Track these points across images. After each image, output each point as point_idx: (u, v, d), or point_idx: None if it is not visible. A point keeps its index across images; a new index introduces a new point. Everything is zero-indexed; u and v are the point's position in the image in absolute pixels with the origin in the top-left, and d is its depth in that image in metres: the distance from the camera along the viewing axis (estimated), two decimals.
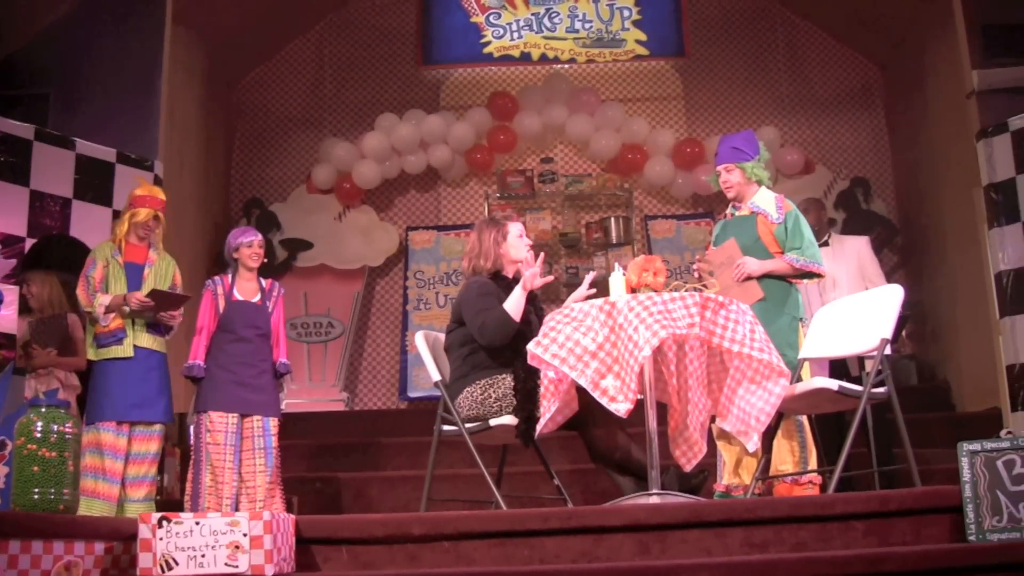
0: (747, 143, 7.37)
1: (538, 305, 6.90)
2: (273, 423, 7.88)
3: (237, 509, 7.64)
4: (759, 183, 7.31)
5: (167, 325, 7.83)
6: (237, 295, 8.00)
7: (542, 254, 6.84)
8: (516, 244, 6.83)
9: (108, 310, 7.55)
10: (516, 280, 6.67)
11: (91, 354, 7.64)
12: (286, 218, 13.42)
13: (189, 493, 7.69)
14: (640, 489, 6.09)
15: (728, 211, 7.50)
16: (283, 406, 8.27)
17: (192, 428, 8.02)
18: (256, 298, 8.06)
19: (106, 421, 7.38)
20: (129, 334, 7.60)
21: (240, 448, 7.78)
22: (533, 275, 6.49)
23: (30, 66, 10.31)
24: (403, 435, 10.74)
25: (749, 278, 6.98)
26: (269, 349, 8.01)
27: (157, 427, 7.66)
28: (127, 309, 7.57)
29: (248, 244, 8.08)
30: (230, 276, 8.09)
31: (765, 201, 7.23)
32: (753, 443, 5.94)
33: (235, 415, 7.73)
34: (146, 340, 7.66)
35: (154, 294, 7.57)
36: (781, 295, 7.00)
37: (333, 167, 13.42)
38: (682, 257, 12.98)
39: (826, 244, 8.81)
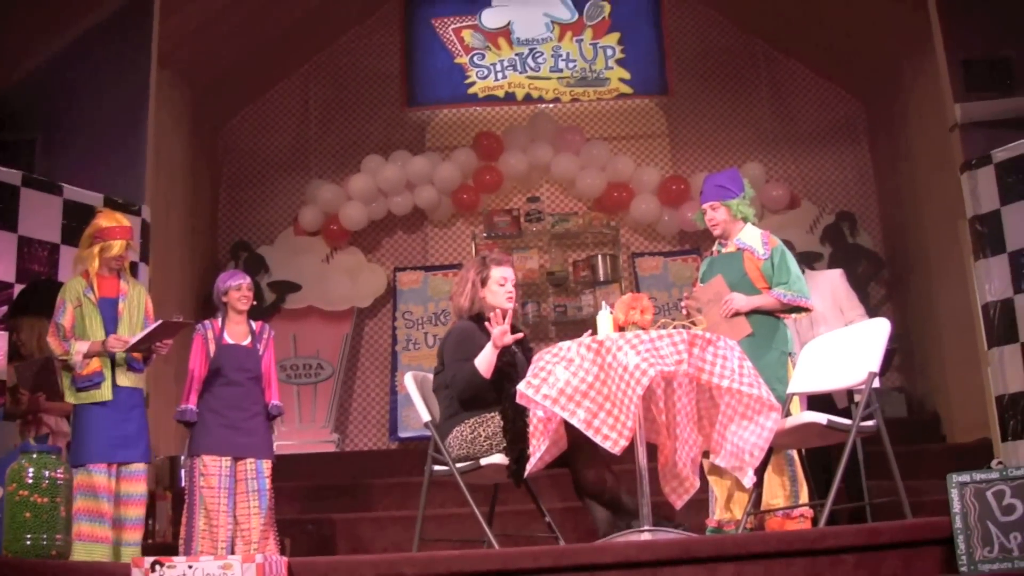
0: (732, 181, 7.41)
1: (525, 344, 6.88)
2: (266, 465, 7.87)
3: (232, 552, 7.62)
4: (745, 220, 7.34)
5: (147, 356, 7.71)
6: (227, 339, 7.99)
7: (510, 309, 6.75)
8: (495, 291, 6.76)
9: (86, 356, 7.41)
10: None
11: (70, 398, 7.55)
12: (274, 260, 13.44)
13: (183, 537, 7.67)
14: (615, 522, 6.11)
15: (715, 248, 7.53)
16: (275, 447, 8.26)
17: (185, 472, 7.99)
18: (246, 341, 8.05)
19: (96, 463, 7.28)
20: (107, 376, 7.46)
21: (234, 491, 7.77)
22: (502, 333, 6.45)
23: (15, 111, 10.29)
24: (394, 475, 10.75)
25: (737, 314, 7.01)
26: (261, 391, 8.00)
27: (142, 467, 7.55)
28: (110, 353, 7.50)
29: (237, 287, 8.08)
30: (220, 320, 8.08)
31: (751, 237, 7.26)
32: (749, 478, 5.94)
33: (228, 458, 7.72)
34: (126, 379, 7.52)
35: (164, 326, 7.43)
36: (769, 330, 7.02)
37: (320, 209, 13.45)
38: (670, 294, 13.02)
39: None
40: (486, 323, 6.56)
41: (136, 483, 7.49)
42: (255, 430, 7.88)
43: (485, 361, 6.44)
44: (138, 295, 7.77)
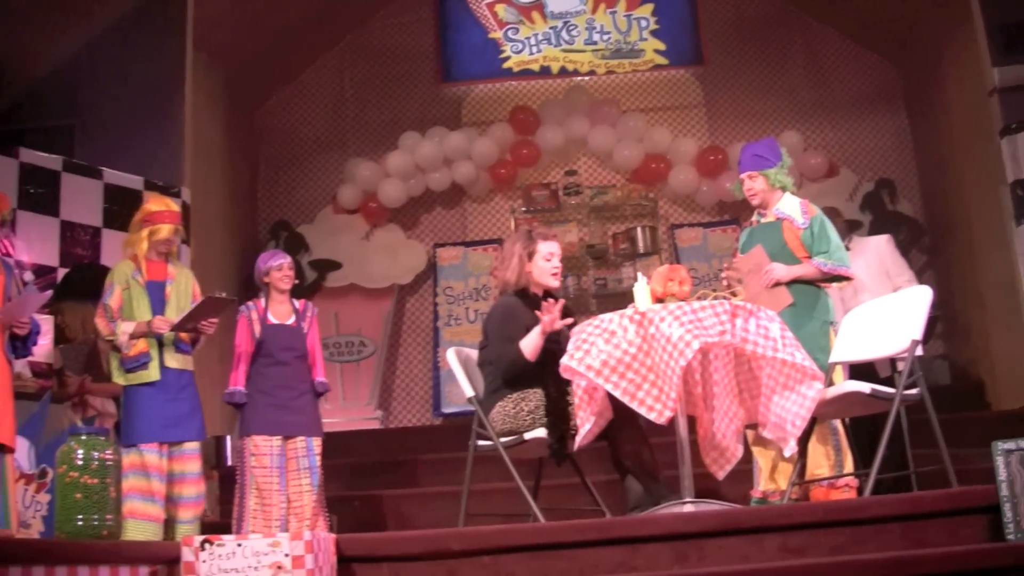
0: (769, 150, 7.36)
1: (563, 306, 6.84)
2: (316, 442, 7.94)
3: (286, 530, 7.68)
4: (783, 189, 7.29)
5: (195, 338, 7.76)
6: (272, 319, 8.03)
7: (560, 301, 6.72)
8: (541, 266, 6.75)
9: (132, 337, 7.46)
10: (543, 298, 6.66)
11: (119, 379, 7.61)
12: (314, 239, 13.52)
13: (235, 516, 7.75)
14: (647, 496, 6.12)
15: (754, 218, 7.48)
16: None
17: (235, 453, 8.04)
18: (291, 320, 8.09)
19: (148, 443, 7.32)
20: (154, 356, 7.50)
21: (285, 469, 7.83)
22: (551, 320, 6.44)
23: (53, 98, 10.37)
24: (438, 451, 10.76)
25: (778, 284, 6.97)
26: (307, 369, 8.05)
27: (196, 446, 7.61)
28: (156, 335, 7.53)
29: (278, 267, 8.11)
30: (263, 300, 8.11)
31: (790, 207, 7.22)
32: (791, 448, 5.94)
33: (278, 438, 7.79)
34: (174, 360, 7.57)
35: (207, 302, 7.50)
36: (810, 299, 6.99)
37: (358, 187, 13.50)
38: (710, 264, 12.98)
39: (847, 249, 8.79)
40: (537, 312, 6.54)
41: (190, 462, 7.55)
42: (304, 408, 7.94)
43: (531, 345, 6.42)
44: (185, 279, 7.81)
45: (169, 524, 7.44)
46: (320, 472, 7.93)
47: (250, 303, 8.13)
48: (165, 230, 7.66)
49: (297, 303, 8.23)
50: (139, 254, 7.67)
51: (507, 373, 6.49)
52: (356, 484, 9.94)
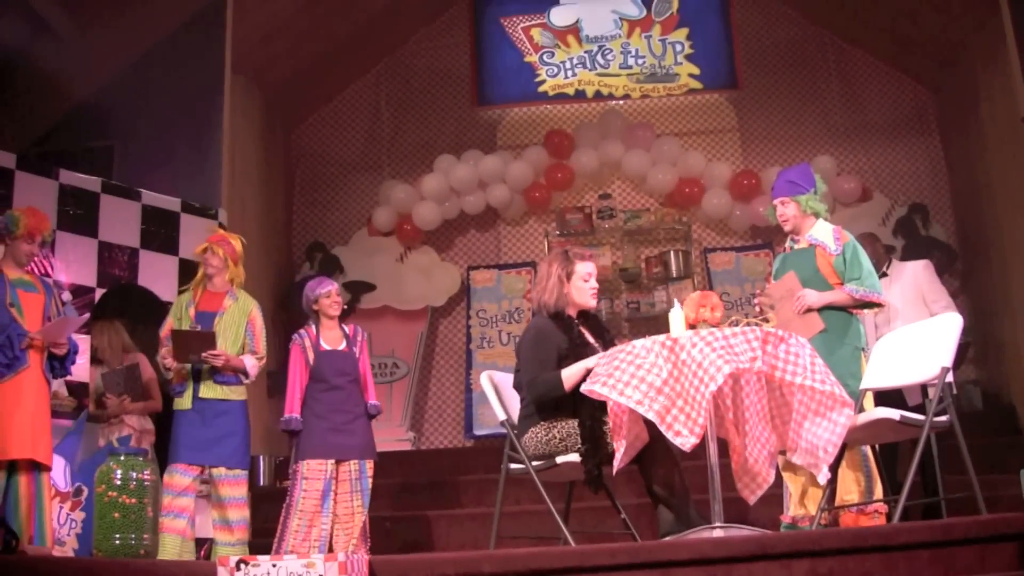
0: (802, 176, 7.39)
1: (608, 339, 6.87)
2: (369, 465, 8.13)
3: (331, 550, 7.79)
4: (816, 215, 7.32)
5: (237, 369, 7.86)
6: (324, 345, 8.18)
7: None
8: (580, 287, 6.69)
9: (169, 370, 7.78)
10: (578, 320, 6.70)
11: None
12: (348, 261, 13.59)
13: (277, 536, 7.86)
14: (678, 524, 6.14)
15: (787, 244, 7.53)
16: None
17: (291, 475, 8.13)
18: (342, 345, 8.24)
19: (176, 463, 7.48)
20: (188, 388, 7.73)
21: (336, 491, 7.95)
22: (593, 362, 6.42)
23: (93, 119, 10.47)
24: (469, 473, 10.81)
25: (810, 310, 7.01)
26: (360, 393, 8.20)
27: (237, 472, 7.78)
28: (171, 370, 7.79)
29: (327, 295, 8.27)
30: (314, 327, 8.24)
31: (823, 233, 7.25)
32: (824, 475, 5.95)
33: (332, 461, 7.92)
34: (210, 391, 7.76)
35: (175, 336, 7.67)
36: (842, 325, 7.01)
37: (393, 209, 13.57)
38: (742, 289, 13.00)
39: (884, 275, 8.81)
40: (571, 315, 6.59)
41: (231, 487, 7.75)
42: (357, 431, 8.09)
43: (573, 378, 6.35)
44: (240, 311, 8.00)
45: (223, 546, 7.59)
46: (370, 494, 8.07)
47: (302, 331, 8.28)
48: (197, 248, 8.01)
49: (347, 328, 8.40)
50: (195, 284, 8.02)
51: (541, 399, 6.45)
52: (388, 505, 9.99)
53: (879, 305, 7.16)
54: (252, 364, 7.96)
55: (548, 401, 6.44)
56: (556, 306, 6.67)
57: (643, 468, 6.32)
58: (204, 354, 7.67)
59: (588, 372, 6.23)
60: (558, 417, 6.43)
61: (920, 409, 6.50)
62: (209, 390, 7.76)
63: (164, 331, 7.86)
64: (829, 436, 5.86)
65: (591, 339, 6.64)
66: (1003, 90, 10.96)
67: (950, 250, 13.13)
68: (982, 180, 12.43)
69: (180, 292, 8.52)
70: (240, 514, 7.75)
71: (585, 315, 6.79)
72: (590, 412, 6.25)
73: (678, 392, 5.69)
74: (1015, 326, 11.75)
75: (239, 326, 7.92)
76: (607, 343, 6.72)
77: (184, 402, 7.71)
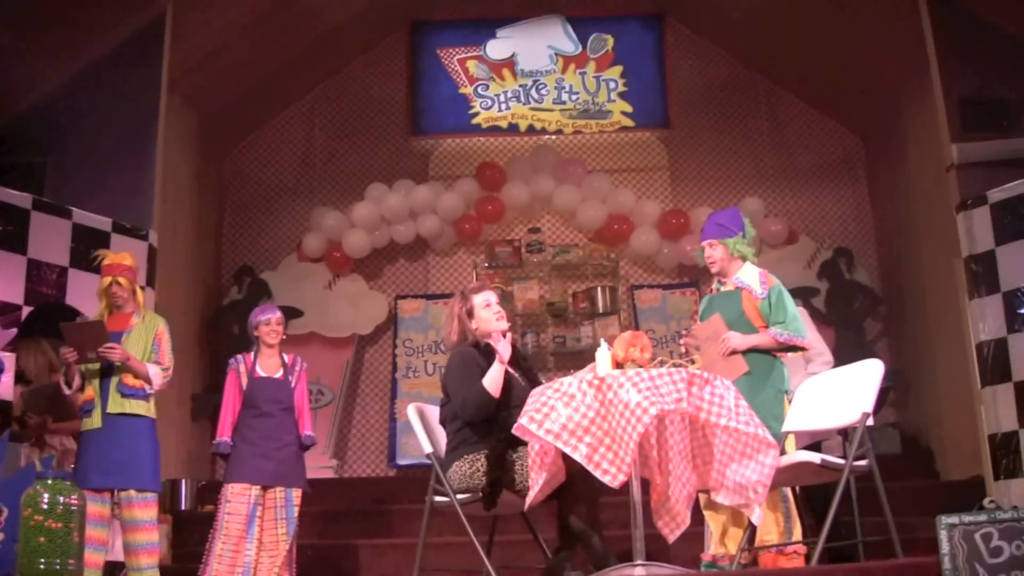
0: (732, 220, 7.52)
1: (528, 369, 6.95)
2: (296, 494, 8.11)
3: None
4: (743, 259, 7.44)
5: (141, 375, 7.76)
6: (260, 371, 8.22)
7: (507, 327, 6.89)
8: (484, 316, 6.86)
9: (66, 377, 7.68)
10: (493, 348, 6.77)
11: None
12: (277, 286, 13.54)
13: (204, 560, 7.83)
14: (603, 558, 6.21)
15: (714, 286, 7.64)
16: None
17: (219, 498, 8.13)
18: (278, 374, 8.28)
19: (88, 490, 7.34)
20: (97, 405, 7.64)
21: (263, 518, 7.94)
22: (507, 347, 6.59)
23: (27, 134, 10.39)
24: (393, 503, 10.81)
25: (734, 352, 7.11)
26: (293, 422, 8.23)
27: (147, 494, 7.67)
28: (74, 370, 7.68)
29: (266, 322, 8.32)
30: (253, 353, 8.29)
31: (749, 276, 7.37)
32: (757, 515, 6.03)
33: (257, 487, 7.91)
34: (117, 406, 7.66)
35: (65, 329, 7.63)
36: (766, 368, 7.12)
37: (324, 236, 13.58)
38: (668, 326, 13.12)
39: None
40: (490, 342, 6.66)
41: (139, 509, 7.61)
42: (286, 459, 8.09)
43: (493, 379, 6.51)
44: (147, 328, 7.93)
45: (133, 572, 7.51)
46: (297, 523, 8.05)
47: (239, 356, 8.37)
48: (103, 283, 7.91)
49: (287, 357, 8.41)
50: (101, 308, 7.96)
51: (476, 416, 6.53)
52: (310, 532, 9.95)
53: (802, 349, 7.26)
54: (155, 372, 7.86)
55: (484, 417, 6.52)
56: (471, 340, 6.84)
57: (562, 503, 6.39)
58: (100, 349, 7.57)
59: (503, 367, 6.48)
60: (481, 449, 6.49)
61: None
62: (117, 405, 7.64)
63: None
64: (758, 477, 5.94)
65: (509, 367, 6.72)
66: (929, 139, 11.12)
67: (874, 294, 13.31)
68: (906, 226, 12.63)
69: (52, 315, 8.42)
70: (152, 537, 7.66)
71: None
72: (502, 436, 6.33)
73: (605, 430, 5.75)
74: (935, 371, 11.94)
75: (146, 342, 7.87)
76: (525, 370, 6.84)
77: (93, 421, 7.61)
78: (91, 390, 7.67)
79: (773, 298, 7.23)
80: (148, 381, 7.83)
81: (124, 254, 8.16)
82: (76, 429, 8.42)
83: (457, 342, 6.90)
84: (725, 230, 7.45)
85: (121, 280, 7.92)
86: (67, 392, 7.69)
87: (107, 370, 7.66)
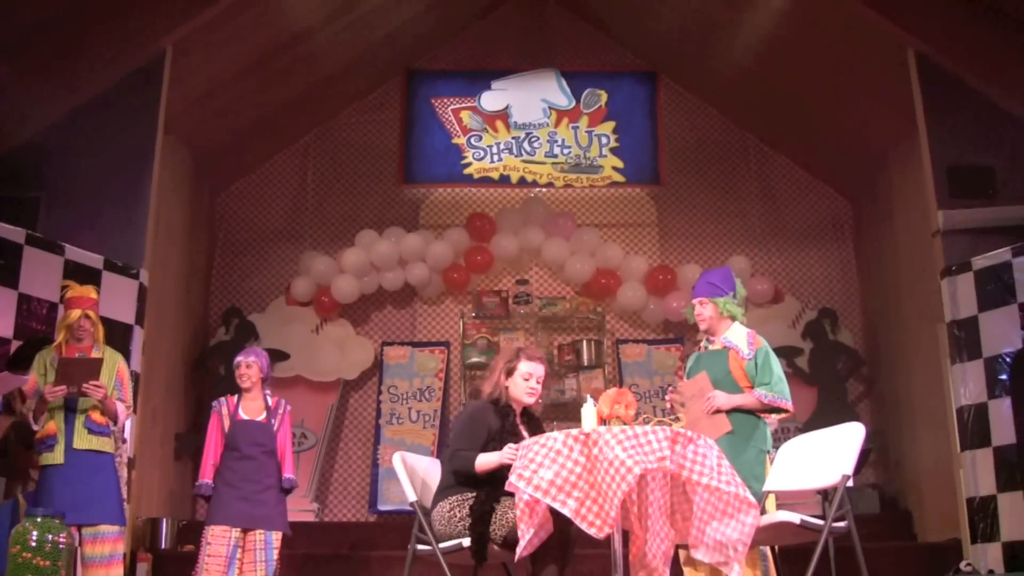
0: (723, 279, 7.64)
1: (536, 425, 7.00)
2: (276, 536, 8.15)
3: None
4: (732, 318, 7.54)
5: (109, 413, 7.76)
6: (242, 414, 8.29)
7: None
8: (518, 383, 6.86)
9: (35, 414, 7.59)
10: (522, 417, 6.89)
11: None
12: (264, 328, 13.58)
13: None
14: None
15: (702, 344, 7.73)
16: None
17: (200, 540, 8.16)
18: (261, 416, 8.34)
19: None
20: (60, 440, 7.60)
21: (243, 560, 7.99)
22: (511, 458, 6.56)
23: (21, 169, 10.43)
24: (372, 548, 10.82)
25: (719, 411, 7.18)
26: (275, 465, 8.27)
27: (104, 528, 7.61)
28: (49, 400, 7.57)
29: (236, 365, 8.43)
30: (236, 396, 8.36)
31: (737, 336, 7.46)
32: (736, 573, 6.07)
33: (237, 529, 7.95)
34: (86, 442, 7.65)
35: (63, 363, 7.59)
36: (749, 428, 7.20)
37: (312, 280, 13.64)
38: (652, 381, 13.18)
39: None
40: (512, 405, 6.73)
41: (100, 544, 7.58)
42: (267, 501, 8.14)
43: (485, 465, 6.53)
44: (109, 364, 7.89)
45: None
46: (278, 566, 8.11)
47: (222, 399, 8.43)
48: (73, 315, 7.86)
49: (271, 400, 8.46)
50: (59, 340, 7.88)
51: (456, 473, 6.62)
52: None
53: (786, 411, 7.33)
54: (122, 410, 7.91)
55: (464, 480, 6.57)
56: (492, 396, 6.90)
57: (537, 556, 6.42)
58: (85, 385, 7.58)
59: (501, 465, 6.42)
60: (466, 492, 6.54)
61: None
62: (83, 441, 7.64)
63: (28, 386, 7.66)
64: (739, 536, 5.98)
65: (524, 433, 6.79)
66: (917, 204, 11.24)
67: (857, 355, 13.40)
68: (892, 289, 12.74)
69: (41, 349, 8.41)
70: (119, 572, 7.68)
71: (529, 414, 6.95)
72: (488, 489, 6.41)
73: (592, 484, 5.80)
74: (915, 434, 12.01)
75: (110, 377, 7.87)
76: (532, 427, 6.90)
77: (56, 456, 7.55)
78: (53, 425, 7.63)
79: (760, 359, 7.32)
80: (114, 419, 7.87)
81: (89, 287, 8.21)
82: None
83: (486, 392, 6.97)
84: (716, 289, 7.56)
85: (91, 314, 7.95)
86: (35, 428, 7.63)
87: (71, 405, 7.65)
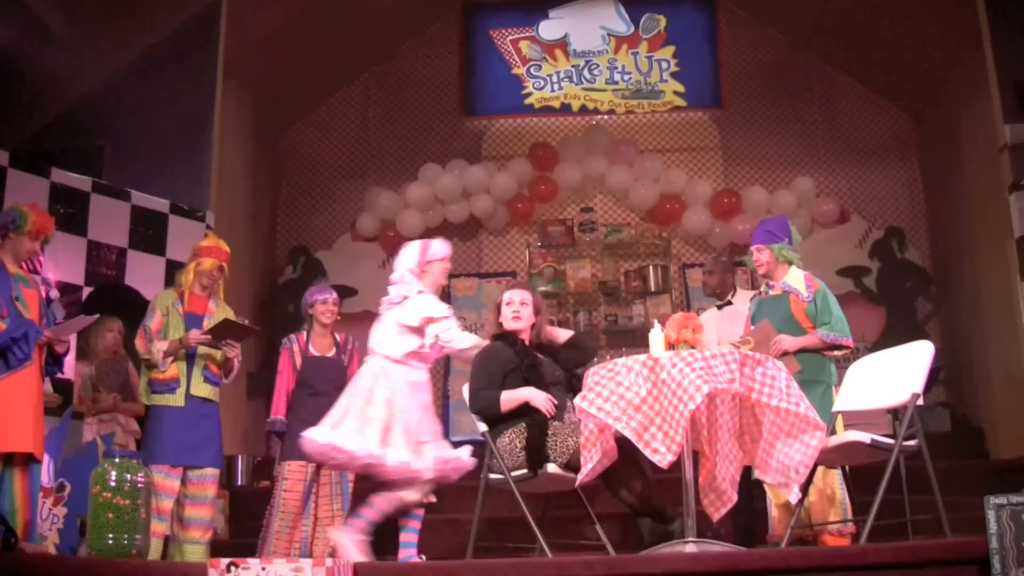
0: (779, 227, 7.83)
1: (546, 348, 7.15)
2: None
3: (311, 553, 7.92)
4: (788, 263, 7.71)
5: (226, 367, 7.95)
6: (313, 351, 8.37)
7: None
8: (504, 313, 7.13)
9: (166, 355, 7.67)
10: (520, 340, 7.04)
11: (145, 399, 7.83)
12: (331, 265, 13.71)
13: (261, 536, 8.02)
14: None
15: (762, 289, 7.88)
16: None
17: (275, 477, 8.27)
18: (331, 352, 8.42)
19: (158, 464, 7.47)
20: (182, 384, 7.72)
21: (317, 494, 8.07)
22: (544, 401, 6.66)
23: (86, 120, 10.52)
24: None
25: (786, 353, 7.23)
26: None
27: (209, 471, 7.79)
28: (184, 349, 7.71)
29: (323, 301, 8.46)
30: (305, 333, 8.42)
31: (795, 280, 7.62)
32: (795, 494, 6.10)
33: (312, 464, 8.00)
34: (202, 390, 7.79)
35: (224, 324, 7.73)
36: (816, 366, 7.34)
37: (377, 216, 13.71)
38: None
39: (729, 303, 9.15)
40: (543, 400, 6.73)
41: (205, 487, 7.76)
42: None
43: (509, 403, 6.69)
44: (221, 316, 7.96)
45: (180, 545, 7.64)
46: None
47: (292, 336, 8.52)
48: (207, 263, 7.95)
49: (339, 336, 8.55)
50: (184, 285, 7.96)
51: (480, 413, 6.79)
52: None
53: (847, 347, 7.40)
54: (236, 366, 8.08)
55: (488, 415, 6.74)
56: (496, 332, 7.17)
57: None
58: (224, 343, 7.80)
59: (523, 401, 6.61)
60: (518, 424, 6.61)
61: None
62: (199, 389, 7.78)
63: (154, 324, 7.74)
64: (801, 458, 6.01)
65: (540, 358, 6.97)
66: (983, 121, 11.12)
67: (925, 274, 13.32)
68: (959, 207, 12.61)
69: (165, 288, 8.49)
70: (208, 513, 7.81)
71: (546, 347, 7.11)
72: (536, 420, 6.55)
73: (656, 410, 5.83)
74: (985, 351, 11.92)
75: None
76: (553, 371, 6.99)
77: (177, 399, 7.69)
78: (175, 369, 7.74)
79: (819, 300, 7.48)
80: (227, 374, 8.04)
81: (222, 240, 8.29)
82: (138, 413, 8.57)
83: (490, 332, 7.23)
84: (772, 236, 7.75)
85: (225, 267, 8.08)
86: (161, 368, 7.73)
87: (191, 352, 7.77)
